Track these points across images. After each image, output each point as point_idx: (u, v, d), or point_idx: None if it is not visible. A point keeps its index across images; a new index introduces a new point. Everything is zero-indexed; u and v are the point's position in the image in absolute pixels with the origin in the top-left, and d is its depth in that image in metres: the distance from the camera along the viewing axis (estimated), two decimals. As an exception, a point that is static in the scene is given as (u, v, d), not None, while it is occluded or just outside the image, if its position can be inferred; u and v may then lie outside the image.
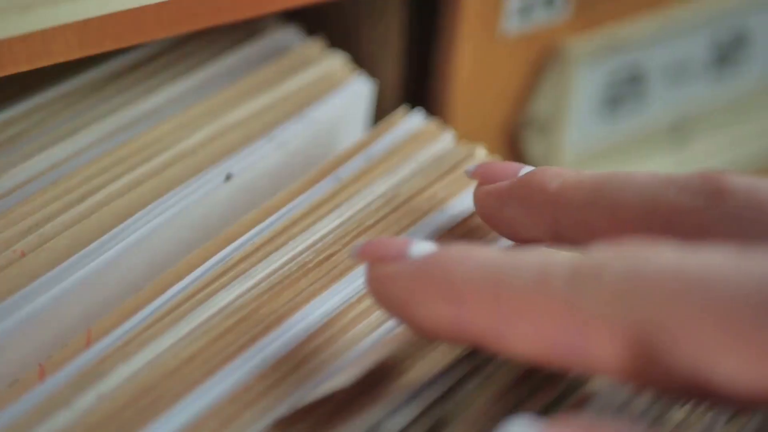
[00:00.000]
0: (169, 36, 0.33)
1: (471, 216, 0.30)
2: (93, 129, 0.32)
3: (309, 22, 0.39)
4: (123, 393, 0.24)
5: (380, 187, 0.31)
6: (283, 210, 0.30)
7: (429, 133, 0.33)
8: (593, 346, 0.20)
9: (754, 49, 0.52)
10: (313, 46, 0.36)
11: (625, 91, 0.48)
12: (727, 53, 0.51)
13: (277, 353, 0.25)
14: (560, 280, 0.20)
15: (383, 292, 0.23)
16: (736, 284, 0.19)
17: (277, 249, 0.28)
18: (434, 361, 0.25)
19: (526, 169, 0.27)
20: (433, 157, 0.32)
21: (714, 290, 0.19)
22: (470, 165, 0.29)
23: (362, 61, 0.41)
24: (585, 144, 0.48)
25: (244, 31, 0.37)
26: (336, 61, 0.36)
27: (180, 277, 0.28)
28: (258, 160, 0.32)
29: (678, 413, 0.23)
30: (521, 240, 0.27)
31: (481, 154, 0.32)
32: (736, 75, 0.52)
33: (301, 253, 0.28)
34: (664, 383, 0.20)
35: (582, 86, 0.45)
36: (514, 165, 0.28)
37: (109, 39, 0.30)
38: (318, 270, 0.28)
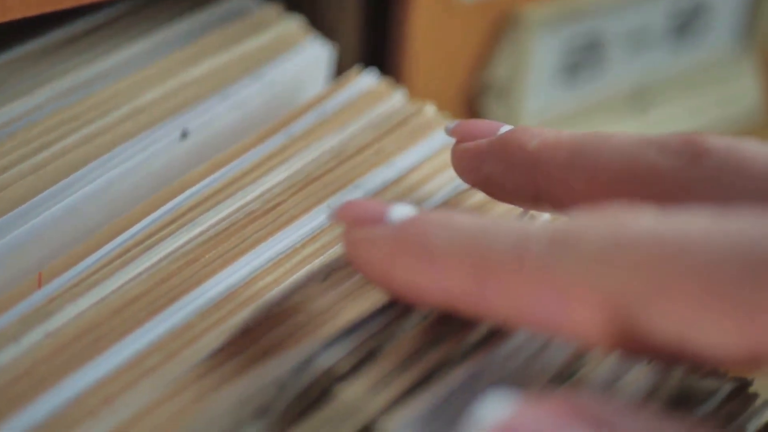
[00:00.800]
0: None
1: (417, 169, 0.31)
2: (50, 87, 0.33)
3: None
4: (69, 330, 0.25)
5: (330, 142, 0.32)
6: (234, 163, 0.31)
7: (380, 91, 0.34)
8: (572, 313, 0.20)
9: (713, 18, 0.53)
10: (271, 10, 0.37)
11: (583, 58, 0.49)
12: (687, 22, 0.52)
13: (221, 294, 0.26)
14: (539, 247, 0.20)
15: (361, 256, 0.23)
16: (715, 247, 0.19)
17: (225, 199, 0.29)
18: (372, 300, 0.25)
19: (506, 127, 0.27)
20: (383, 113, 0.33)
21: (694, 254, 0.19)
22: (449, 123, 0.29)
23: (322, 26, 0.42)
24: (545, 110, 0.49)
25: (204, -5, 0.38)
26: (293, 24, 0.37)
27: (130, 225, 0.28)
28: (214, 119, 0.33)
29: (588, 360, 0.24)
30: (499, 199, 0.28)
31: (430, 111, 0.33)
32: (697, 43, 0.53)
33: (249, 202, 0.29)
34: (645, 350, 0.20)
35: (540, 53, 0.46)
36: (494, 123, 0.28)
37: (66, -4, 0.31)
38: (264, 218, 0.29)
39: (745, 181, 0.22)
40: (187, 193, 0.30)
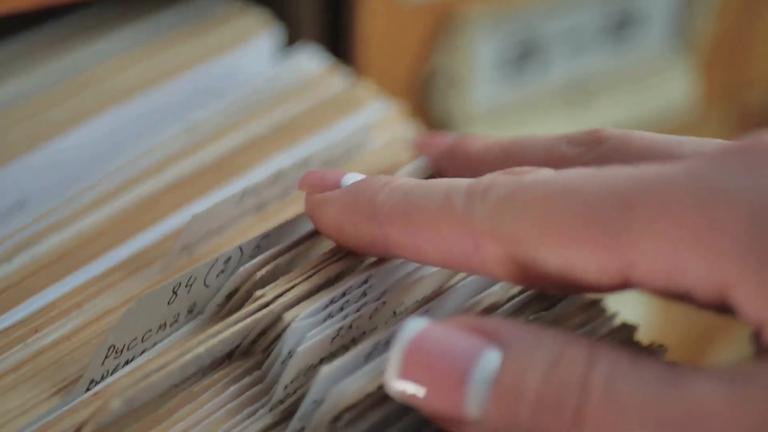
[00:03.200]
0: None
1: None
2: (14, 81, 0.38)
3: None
4: (50, 254, 0.31)
5: (271, 119, 0.38)
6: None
7: (324, 74, 0.40)
8: (482, 254, 0.25)
9: (648, 18, 0.58)
10: (234, 5, 0.43)
11: (523, 56, 0.54)
12: (622, 22, 0.58)
13: (173, 230, 0.32)
14: (458, 200, 0.25)
15: (318, 215, 0.28)
16: (591, 189, 0.23)
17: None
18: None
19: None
20: (325, 92, 0.39)
21: (574, 196, 0.23)
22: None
23: (284, 21, 0.48)
24: (489, 103, 0.54)
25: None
26: (252, 18, 0.42)
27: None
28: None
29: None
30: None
31: (363, 89, 0.39)
32: (632, 42, 0.59)
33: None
34: (541, 282, 0.24)
35: (480, 50, 0.52)
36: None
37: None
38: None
39: (631, 158, 0.28)
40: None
